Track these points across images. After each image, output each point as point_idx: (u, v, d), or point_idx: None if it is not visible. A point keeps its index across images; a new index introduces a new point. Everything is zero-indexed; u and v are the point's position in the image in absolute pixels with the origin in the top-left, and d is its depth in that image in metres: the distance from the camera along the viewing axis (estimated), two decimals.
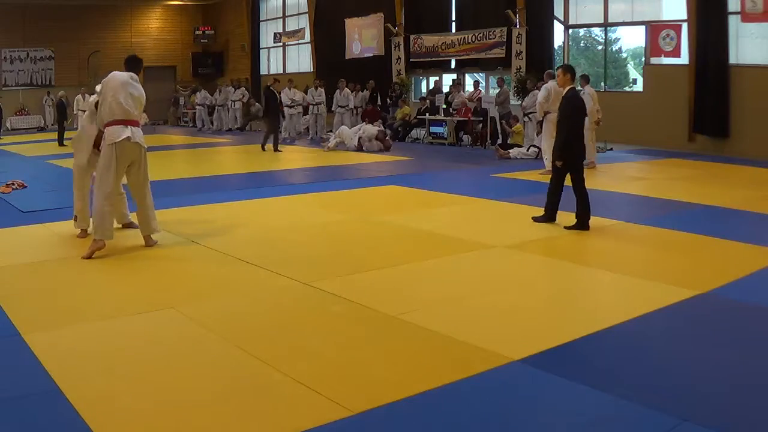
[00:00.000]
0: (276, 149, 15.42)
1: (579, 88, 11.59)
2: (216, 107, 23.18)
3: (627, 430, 3.03)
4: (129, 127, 6.12)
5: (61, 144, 17.99)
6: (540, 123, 11.71)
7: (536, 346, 3.87)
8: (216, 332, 4.18)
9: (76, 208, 6.86)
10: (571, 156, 7.10)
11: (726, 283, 5.08)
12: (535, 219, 7.37)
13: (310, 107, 19.01)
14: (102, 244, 6.04)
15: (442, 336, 4.08)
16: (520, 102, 15.27)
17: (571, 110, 7.08)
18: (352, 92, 18.87)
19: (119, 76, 6.25)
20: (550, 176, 7.53)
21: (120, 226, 6.97)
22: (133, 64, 6.50)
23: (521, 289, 5.13)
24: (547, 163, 11.11)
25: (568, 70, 7.36)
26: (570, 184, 7.15)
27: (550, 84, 11.04)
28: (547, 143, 11.19)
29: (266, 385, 3.46)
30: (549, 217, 7.30)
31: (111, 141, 6.05)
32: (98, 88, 6.42)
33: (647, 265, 5.75)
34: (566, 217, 7.25)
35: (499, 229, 7.10)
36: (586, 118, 11.44)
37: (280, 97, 18.18)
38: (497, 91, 16.58)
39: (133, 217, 6.84)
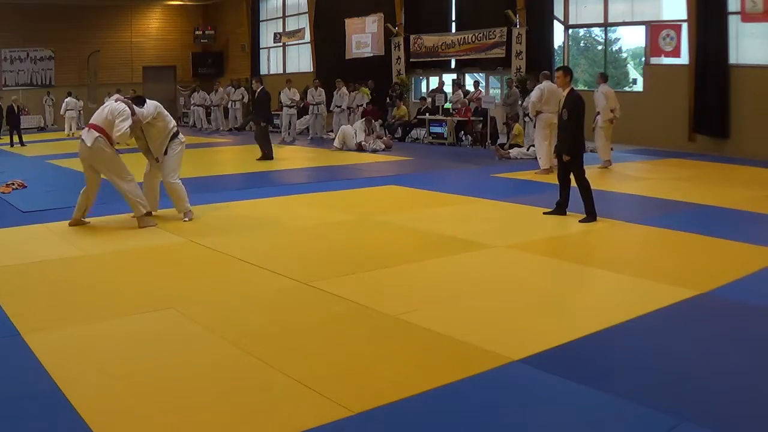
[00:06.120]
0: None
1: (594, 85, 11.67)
2: (212, 107, 23.15)
3: (627, 430, 3.03)
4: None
5: (21, 145, 17.89)
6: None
7: (536, 346, 3.86)
8: (216, 332, 4.18)
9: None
10: (578, 152, 7.41)
11: (726, 283, 5.08)
12: (546, 213, 7.64)
13: (310, 107, 19.00)
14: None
15: (442, 336, 4.08)
16: (520, 102, 15.27)
17: (581, 110, 7.41)
18: (351, 92, 18.86)
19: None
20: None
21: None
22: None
23: (521, 289, 5.13)
24: (541, 162, 11.10)
25: (569, 72, 7.73)
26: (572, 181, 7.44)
27: (544, 84, 11.06)
28: (539, 143, 11.17)
29: (266, 385, 3.46)
30: (560, 210, 7.59)
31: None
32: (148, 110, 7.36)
33: (647, 265, 5.74)
34: (573, 218, 7.39)
35: (499, 229, 7.10)
36: (599, 117, 11.77)
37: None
38: (498, 91, 16.56)
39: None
